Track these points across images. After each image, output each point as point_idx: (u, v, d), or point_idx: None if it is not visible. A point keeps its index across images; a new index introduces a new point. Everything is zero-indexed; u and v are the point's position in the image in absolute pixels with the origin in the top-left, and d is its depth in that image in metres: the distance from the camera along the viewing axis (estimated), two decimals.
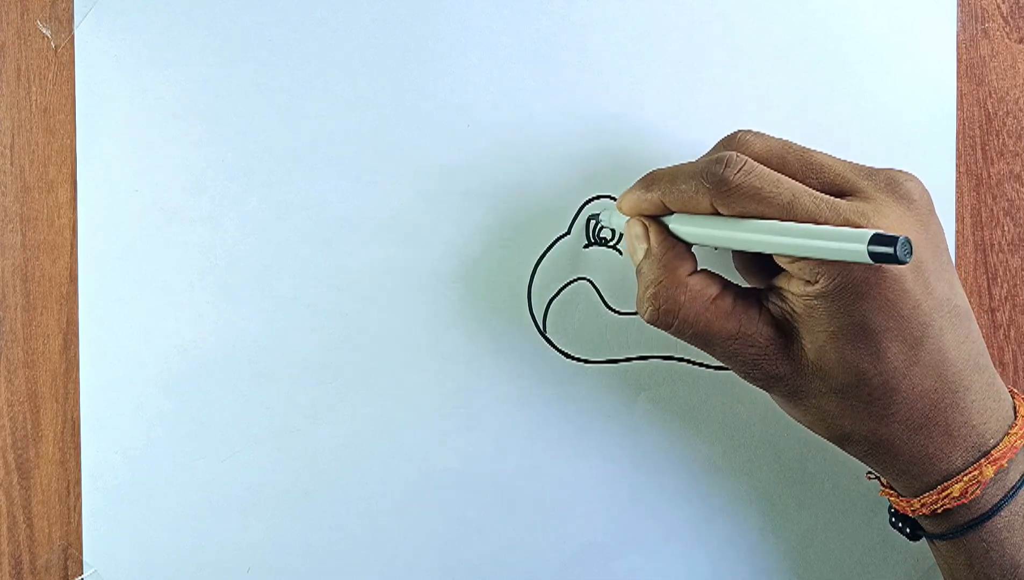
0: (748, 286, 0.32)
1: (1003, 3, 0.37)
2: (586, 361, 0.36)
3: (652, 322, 0.30)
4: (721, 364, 0.36)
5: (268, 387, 0.35)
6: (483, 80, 0.35)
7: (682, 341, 0.30)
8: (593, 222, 0.36)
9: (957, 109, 0.37)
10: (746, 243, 0.28)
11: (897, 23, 0.37)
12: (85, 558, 0.35)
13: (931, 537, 0.31)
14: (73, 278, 0.35)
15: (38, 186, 0.35)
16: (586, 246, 0.36)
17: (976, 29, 0.37)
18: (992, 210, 0.38)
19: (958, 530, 0.29)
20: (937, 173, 0.37)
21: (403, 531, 0.36)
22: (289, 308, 0.35)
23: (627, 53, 0.36)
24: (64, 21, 0.35)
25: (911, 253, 0.23)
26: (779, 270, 0.29)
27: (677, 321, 0.30)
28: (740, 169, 0.28)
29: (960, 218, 0.38)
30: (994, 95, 0.38)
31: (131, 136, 0.34)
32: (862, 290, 0.27)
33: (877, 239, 0.24)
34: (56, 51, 0.35)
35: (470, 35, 0.35)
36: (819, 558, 0.37)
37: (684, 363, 0.36)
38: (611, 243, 0.36)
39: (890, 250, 0.23)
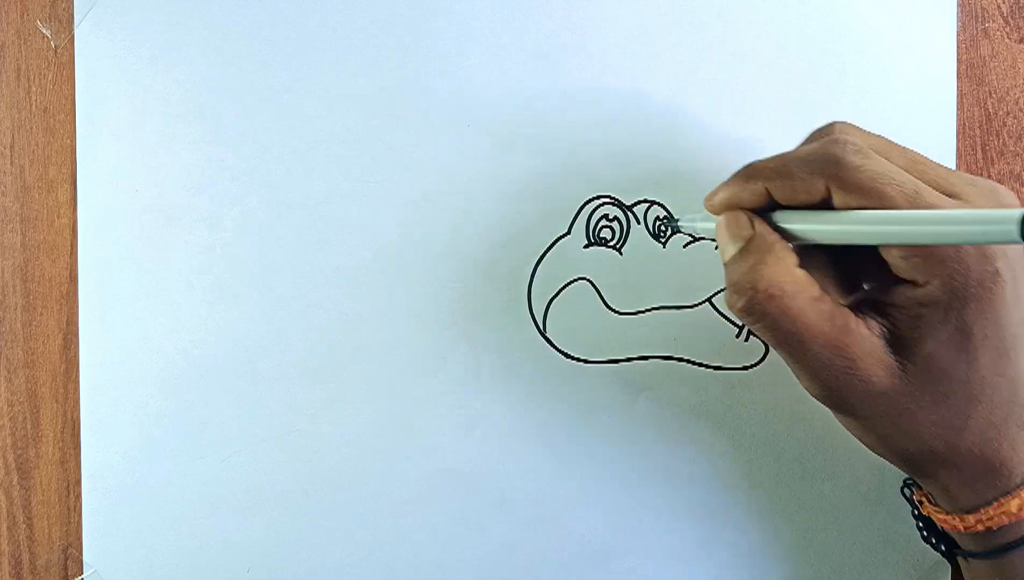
0: (841, 302, 0.29)
1: (1003, 3, 0.37)
2: (586, 361, 0.36)
3: (745, 310, 0.27)
4: (721, 364, 0.36)
5: (268, 387, 0.35)
6: (483, 80, 0.35)
7: (766, 340, 0.28)
8: (667, 229, 0.34)
9: (957, 109, 0.37)
10: (872, 235, 0.26)
11: (897, 23, 0.37)
12: (85, 558, 0.35)
13: (967, 555, 0.30)
14: (73, 278, 0.35)
15: (38, 186, 0.35)
16: (586, 246, 0.36)
17: (976, 29, 0.37)
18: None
19: (1000, 549, 0.28)
20: None
21: (403, 531, 0.36)
22: (289, 308, 0.35)
23: (627, 53, 0.36)
24: (64, 21, 0.35)
25: None
26: (867, 281, 0.28)
27: (775, 310, 0.27)
28: (858, 151, 0.26)
29: None
30: (994, 95, 0.38)
31: (131, 136, 0.34)
32: (974, 293, 0.26)
33: None
34: (56, 51, 0.35)
35: (470, 35, 0.35)
36: (819, 558, 0.37)
37: (684, 363, 0.36)
38: (611, 243, 0.36)
39: None
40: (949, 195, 0.27)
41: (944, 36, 0.37)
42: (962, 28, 0.37)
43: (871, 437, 0.29)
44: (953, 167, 0.37)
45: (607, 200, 0.36)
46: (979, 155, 0.38)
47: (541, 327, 0.36)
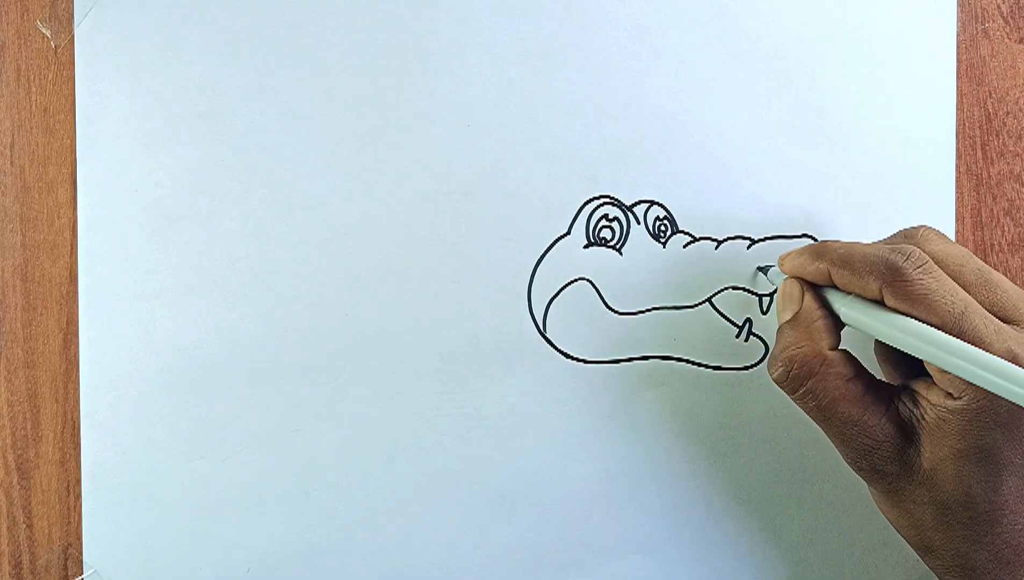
0: (881, 379, 0.32)
1: (1003, 3, 0.37)
2: (586, 361, 0.36)
3: (779, 382, 0.30)
4: (721, 364, 0.36)
5: (268, 387, 0.35)
6: (483, 80, 0.35)
7: (799, 407, 0.31)
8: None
9: (957, 109, 0.37)
10: (906, 344, 0.27)
11: (897, 23, 0.37)
12: (85, 558, 0.35)
13: None
14: (73, 278, 0.35)
15: (38, 186, 0.35)
16: (586, 246, 0.36)
17: (976, 29, 0.37)
18: (992, 210, 0.38)
19: None
20: (937, 173, 0.37)
21: (403, 531, 0.36)
22: (289, 308, 0.35)
23: (627, 53, 0.36)
24: (64, 21, 0.35)
25: None
26: (918, 372, 0.29)
27: (804, 389, 0.30)
28: (919, 266, 0.28)
29: (960, 218, 0.38)
30: (994, 95, 0.38)
31: (131, 136, 0.34)
32: (1003, 419, 0.27)
33: None
34: (56, 51, 0.35)
35: (470, 35, 0.35)
36: (819, 558, 0.37)
37: (684, 363, 0.36)
38: (611, 243, 0.36)
39: None
40: (1010, 320, 0.28)
41: (944, 36, 0.37)
42: (962, 28, 0.37)
43: (891, 515, 0.31)
44: (953, 167, 0.37)
45: (607, 200, 0.36)
46: (979, 155, 0.38)
47: (541, 327, 0.36)
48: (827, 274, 0.30)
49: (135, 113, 0.34)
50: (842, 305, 0.30)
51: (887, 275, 0.28)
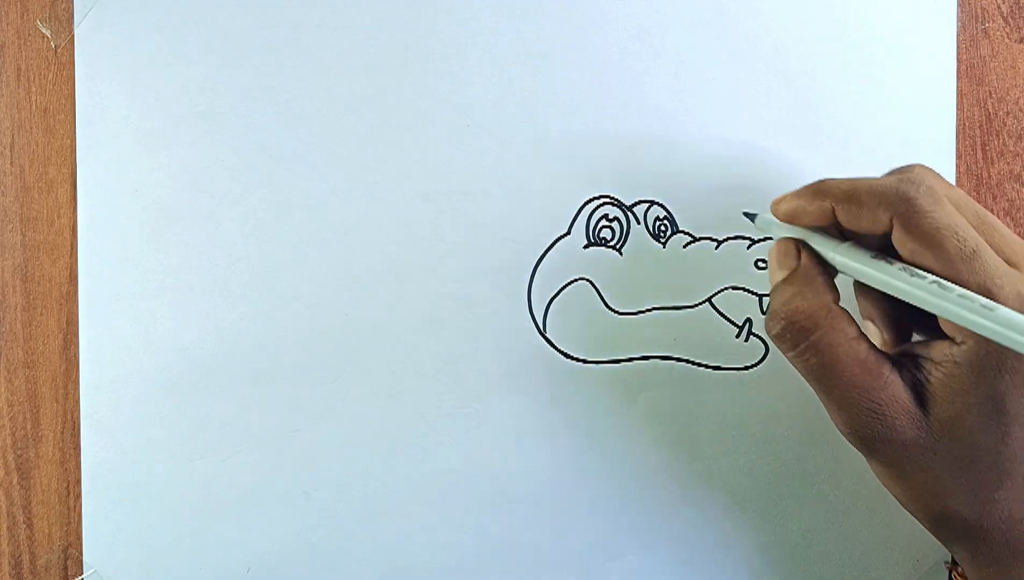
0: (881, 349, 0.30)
1: (1003, 3, 0.37)
2: (586, 361, 0.36)
3: (779, 338, 0.28)
4: (721, 364, 0.36)
5: (268, 387, 0.35)
6: (483, 80, 0.35)
7: (799, 371, 0.29)
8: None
9: (957, 109, 0.37)
10: (912, 297, 0.26)
11: (897, 23, 0.37)
12: (85, 558, 0.35)
13: None
14: (73, 278, 0.35)
15: (38, 186, 0.35)
16: (586, 246, 0.36)
17: (976, 29, 0.37)
18: (992, 210, 0.38)
19: None
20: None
21: (403, 531, 0.36)
22: (289, 308, 0.35)
23: (627, 53, 0.36)
24: (64, 21, 0.35)
25: None
26: (910, 336, 0.28)
27: (807, 343, 0.28)
28: (933, 198, 0.26)
29: None
30: (994, 95, 0.38)
31: (131, 136, 0.34)
32: (1009, 367, 0.26)
33: None
34: (56, 51, 0.35)
35: (470, 35, 0.35)
36: (819, 558, 0.37)
37: (684, 363, 0.36)
38: (611, 243, 0.36)
39: None
40: (1011, 264, 0.27)
41: (944, 36, 0.37)
42: (962, 28, 0.37)
43: (897, 487, 0.29)
44: (953, 167, 0.37)
45: (607, 200, 0.36)
46: (979, 155, 0.38)
47: (541, 327, 0.36)
48: (830, 213, 0.28)
49: (135, 113, 0.34)
50: (837, 254, 0.28)
51: (899, 205, 0.26)
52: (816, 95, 0.36)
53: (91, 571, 0.35)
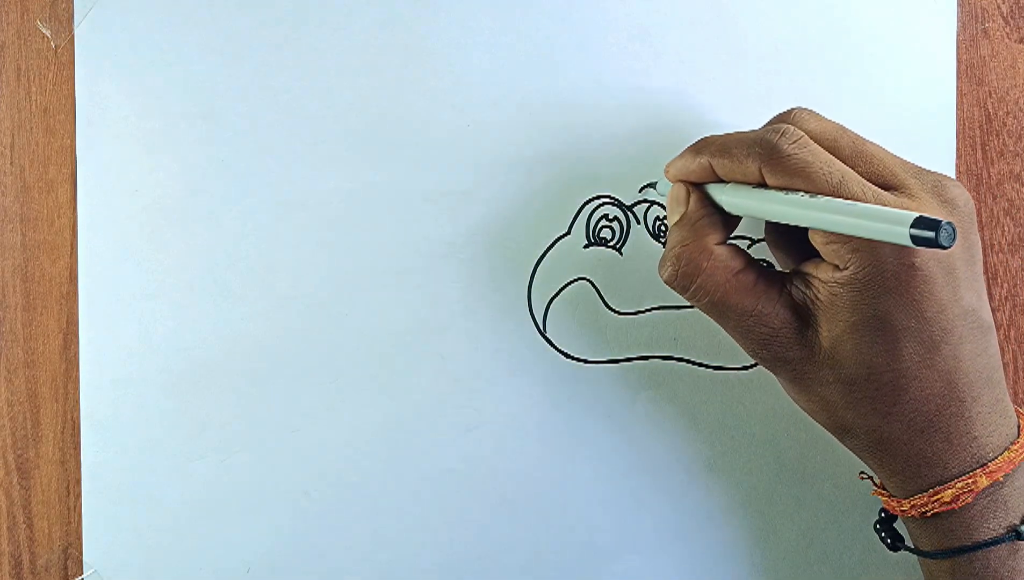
0: (774, 269, 0.32)
1: (1003, 3, 0.37)
2: (586, 361, 0.36)
3: (670, 282, 0.30)
4: (721, 364, 0.36)
5: (268, 387, 0.35)
6: (483, 80, 0.35)
7: (701, 310, 0.30)
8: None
9: (957, 109, 0.37)
10: (786, 215, 0.28)
11: (897, 23, 0.37)
12: (85, 558, 0.35)
13: (920, 553, 0.31)
14: (73, 278, 0.35)
15: (38, 186, 0.35)
16: (586, 246, 0.36)
17: (976, 29, 0.37)
18: (992, 210, 0.38)
19: (954, 551, 0.29)
20: None
21: (403, 531, 0.36)
22: (289, 308, 0.35)
23: (627, 53, 0.36)
24: (64, 21, 0.35)
25: (953, 239, 0.23)
26: (809, 256, 0.29)
27: (694, 286, 0.30)
28: (795, 141, 0.28)
29: None
30: (994, 95, 0.38)
31: (131, 136, 0.34)
32: (890, 284, 0.27)
33: (921, 222, 0.23)
34: (56, 51, 0.35)
35: (470, 35, 0.35)
36: (819, 558, 0.37)
37: (684, 363, 0.36)
38: (611, 243, 0.36)
39: (932, 234, 0.23)
40: (889, 187, 0.28)
41: (944, 36, 0.37)
42: (962, 28, 0.37)
43: (802, 401, 0.31)
44: (953, 167, 0.37)
45: (607, 200, 0.36)
46: (979, 155, 0.38)
47: (541, 327, 0.36)
48: (709, 168, 0.30)
49: (135, 113, 0.34)
50: (722, 194, 0.30)
51: (764, 154, 0.28)
52: (816, 95, 0.36)
53: (91, 571, 0.35)
